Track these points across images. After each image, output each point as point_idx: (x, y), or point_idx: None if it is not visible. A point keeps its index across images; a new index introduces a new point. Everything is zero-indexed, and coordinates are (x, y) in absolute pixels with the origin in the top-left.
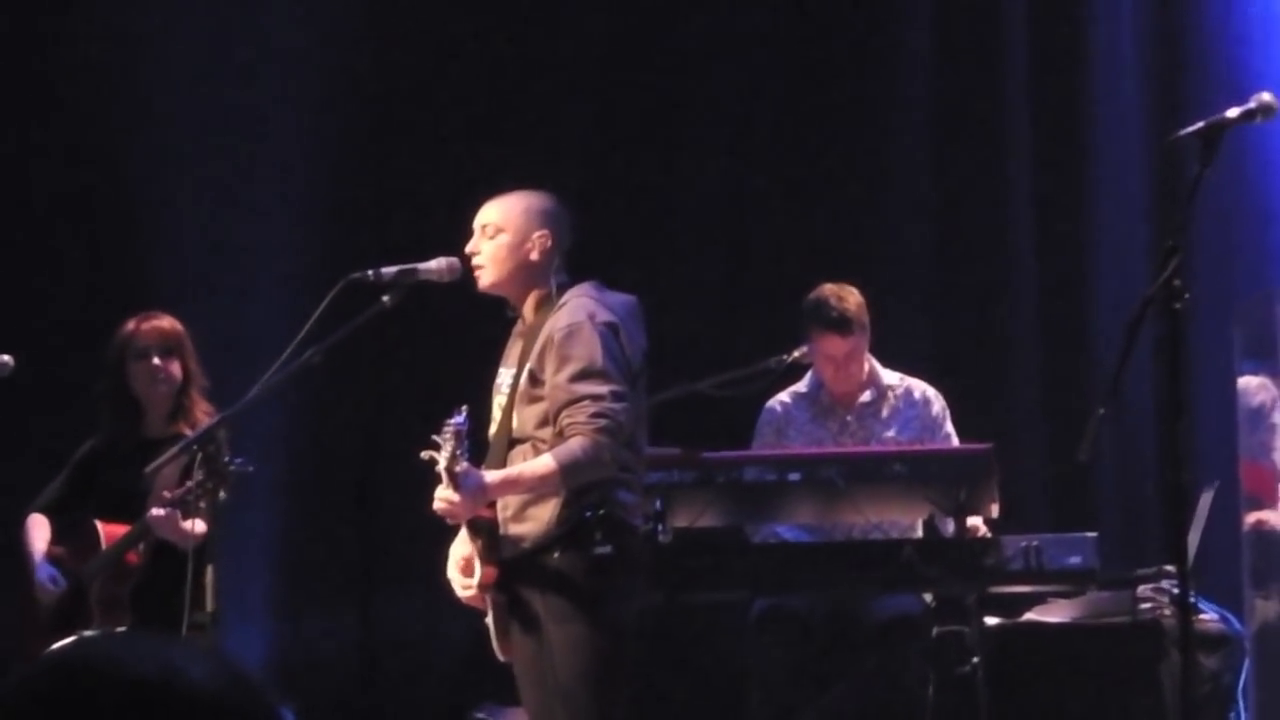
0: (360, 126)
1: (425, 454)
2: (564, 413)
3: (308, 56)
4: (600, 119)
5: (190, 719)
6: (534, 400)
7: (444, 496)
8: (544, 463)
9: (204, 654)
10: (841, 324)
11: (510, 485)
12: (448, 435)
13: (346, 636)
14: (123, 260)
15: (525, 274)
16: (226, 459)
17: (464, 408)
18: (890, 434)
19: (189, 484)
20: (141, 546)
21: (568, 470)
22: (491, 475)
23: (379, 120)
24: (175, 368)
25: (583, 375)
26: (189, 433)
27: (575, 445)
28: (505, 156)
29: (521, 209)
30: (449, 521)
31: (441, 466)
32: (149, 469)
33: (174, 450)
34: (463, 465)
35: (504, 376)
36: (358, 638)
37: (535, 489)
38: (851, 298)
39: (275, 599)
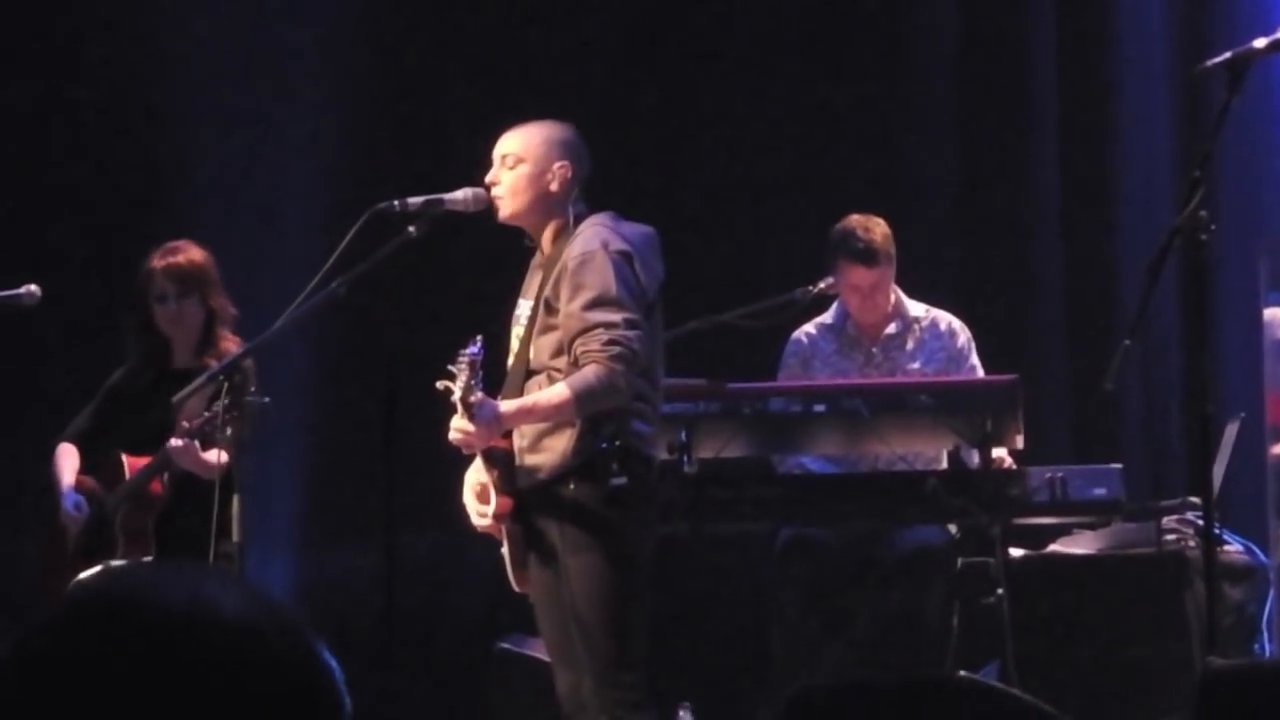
0: (390, 59)
1: (440, 384)
2: (578, 341)
3: None
4: (627, 48)
5: (223, 650)
6: (549, 330)
7: (459, 427)
8: (558, 391)
9: (235, 585)
10: (868, 255)
11: (525, 415)
12: (462, 365)
13: (371, 569)
14: (149, 190)
15: (544, 205)
16: (251, 391)
17: (479, 338)
18: (915, 365)
19: (206, 415)
20: (165, 477)
21: (582, 398)
22: (506, 405)
23: (407, 51)
24: (195, 307)
25: (596, 303)
26: (216, 365)
27: (589, 373)
28: (528, 79)
29: (541, 139)
30: (464, 451)
31: (456, 397)
32: (175, 399)
33: (199, 381)
34: (477, 395)
35: (522, 308)
36: (382, 570)
37: (550, 418)
38: (878, 229)
39: (300, 532)
